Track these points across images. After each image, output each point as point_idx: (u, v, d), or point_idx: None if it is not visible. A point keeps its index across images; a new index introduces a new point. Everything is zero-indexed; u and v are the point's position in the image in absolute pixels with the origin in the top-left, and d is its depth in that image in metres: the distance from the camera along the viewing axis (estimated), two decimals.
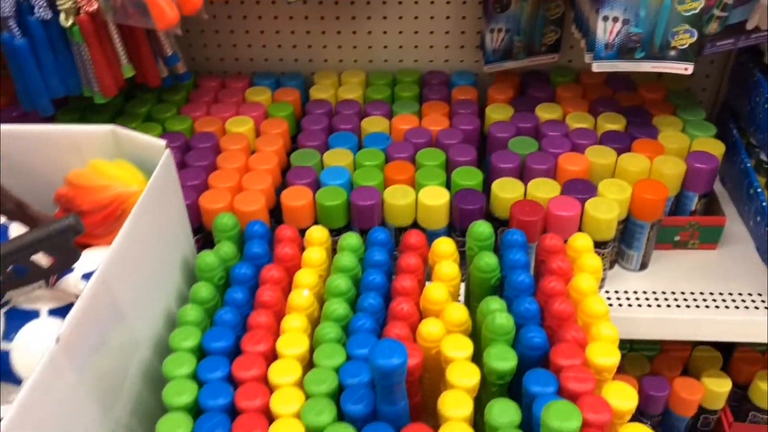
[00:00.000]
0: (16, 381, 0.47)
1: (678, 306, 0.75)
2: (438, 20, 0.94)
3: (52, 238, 0.47)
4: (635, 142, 0.80)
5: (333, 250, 0.64)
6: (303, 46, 0.98)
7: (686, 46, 0.71)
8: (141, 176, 0.59)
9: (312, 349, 0.53)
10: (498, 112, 0.87)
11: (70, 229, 0.47)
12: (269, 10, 0.95)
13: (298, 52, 0.98)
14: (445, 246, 0.60)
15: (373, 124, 0.86)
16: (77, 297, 0.51)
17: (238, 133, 0.85)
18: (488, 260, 0.58)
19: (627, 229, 0.76)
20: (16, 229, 0.56)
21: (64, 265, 0.48)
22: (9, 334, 0.48)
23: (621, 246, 0.78)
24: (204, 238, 0.75)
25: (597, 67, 0.75)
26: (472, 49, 0.96)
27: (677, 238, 0.81)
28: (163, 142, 0.59)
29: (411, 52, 0.97)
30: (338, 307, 0.56)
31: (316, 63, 0.99)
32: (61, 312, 0.49)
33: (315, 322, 0.58)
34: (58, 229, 0.47)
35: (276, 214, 0.76)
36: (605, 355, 0.51)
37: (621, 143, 0.80)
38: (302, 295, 0.57)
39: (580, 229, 0.71)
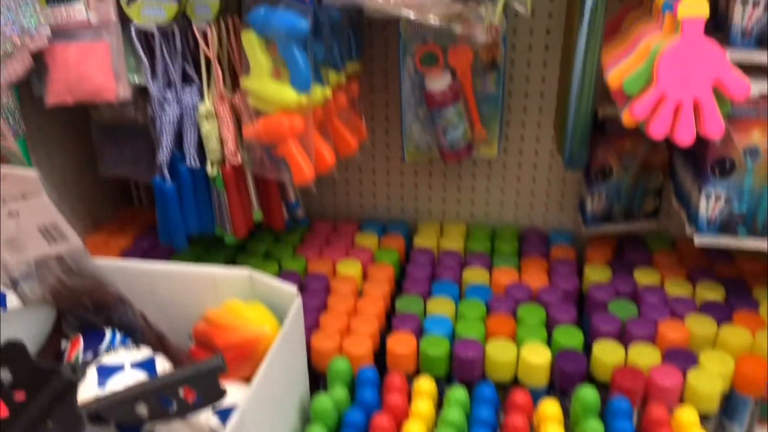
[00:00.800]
0: None
1: None
2: (539, 182, 1.00)
3: (201, 376, 0.52)
4: (736, 313, 0.81)
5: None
6: (409, 197, 1.05)
7: None
8: (273, 319, 0.64)
9: None
10: (596, 273, 0.90)
11: (217, 368, 0.53)
12: (383, 165, 1.03)
13: (404, 202, 1.06)
14: (551, 408, 0.62)
15: (475, 275, 0.91)
16: (211, 429, 0.56)
17: (347, 276, 0.90)
18: (596, 427, 0.59)
19: (729, 403, 0.76)
20: (160, 362, 0.61)
21: (209, 401, 0.53)
22: None
23: (722, 419, 0.77)
24: (311, 375, 0.79)
25: (699, 241, 0.78)
26: (571, 209, 1.01)
27: None
28: (294, 290, 0.65)
29: (511, 208, 1.03)
30: None
31: (420, 213, 1.06)
32: None
33: None
34: (207, 369, 0.52)
35: (380, 357, 0.80)
36: None
37: (721, 313, 0.81)
38: None
39: (681, 400, 0.72)
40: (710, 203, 0.76)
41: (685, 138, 0.67)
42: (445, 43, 0.86)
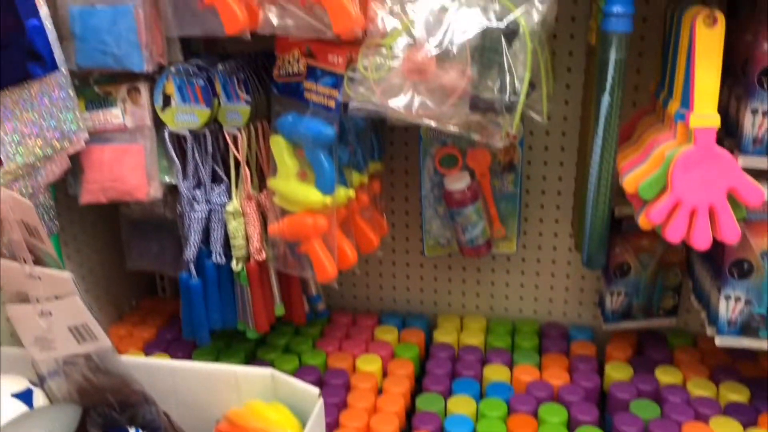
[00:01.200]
0: None
1: None
2: (558, 277, 1.01)
3: None
4: (761, 416, 0.80)
5: None
6: (429, 290, 1.06)
7: None
8: (295, 421, 0.65)
9: None
10: (617, 371, 0.89)
11: None
12: (403, 258, 1.05)
13: (424, 294, 1.07)
14: None
15: (495, 372, 0.90)
16: None
17: (367, 372, 0.90)
18: None
19: None
20: None
21: None
22: None
23: None
24: None
25: (720, 341, 0.78)
26: (590, 304, 1.01)
27: None
28: (316, 391, 0.66)
29: (530, 303, 1.03)
30: None
31: (440, 306, 1.07)
32: None
33: None
34: None
35: None
36: None
37: (746, 416, 0.80)
38: None
39: None
40: (730, 305, 0.77)
41: (701, 243, 0.68)
42: (464, 145, 0.89)
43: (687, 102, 0.69)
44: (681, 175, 0.67)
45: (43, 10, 0.75)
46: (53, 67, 0.74)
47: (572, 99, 0.92)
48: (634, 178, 0.72)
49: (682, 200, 0.68)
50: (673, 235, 0.69)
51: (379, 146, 0.90)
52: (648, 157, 0.73)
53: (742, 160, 0.70)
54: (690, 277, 0.91)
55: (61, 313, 0.64)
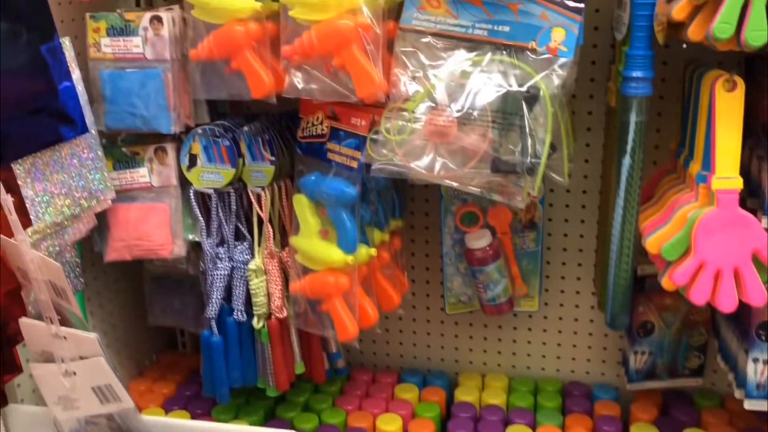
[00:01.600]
0: None
1: None
2: (581, 335, 1.00)
3: None
4: None
5: None
6: (450, 347, 1.05)
7: None
8: None
9: None
10: None
11: None
12: (423, 315, 1.05)
13: (444, 352, 1.06)
14: None
15: None
16: None
17: None
18: None
19: None
20: None
21: None
22: None
23: None
24: None
25: (749, 405, 0.76)
26: (614, 363, 1.00)
27: None
28: None
29: (553, 361, 1.02)
30: None
31: (461, 363, 1.06)
32: None
33: None
34: None
35: None
36: None
37: None
38: None
39: None
40: (758, 368, 0.75)
41: (727, 306, 0.67)
42: (485, 203, 0.89)
43: (708, 164, 0.69)
44: (704, 237, 0.67)
45: (76, 74, 0.77)
46: (84, 129, 0.76)
47: (592, 157, 0.93)
48: (657, 239, 0.72)
49: (706, 262, 0.67)
50: (698, 297, 0.68)
51: (400, 204, 0.90)
52: (670, 218, 0.72)
53: (766, 222, 0.70)
54: (716, 337, 0.90)
55: (86, 374, 0.65)
